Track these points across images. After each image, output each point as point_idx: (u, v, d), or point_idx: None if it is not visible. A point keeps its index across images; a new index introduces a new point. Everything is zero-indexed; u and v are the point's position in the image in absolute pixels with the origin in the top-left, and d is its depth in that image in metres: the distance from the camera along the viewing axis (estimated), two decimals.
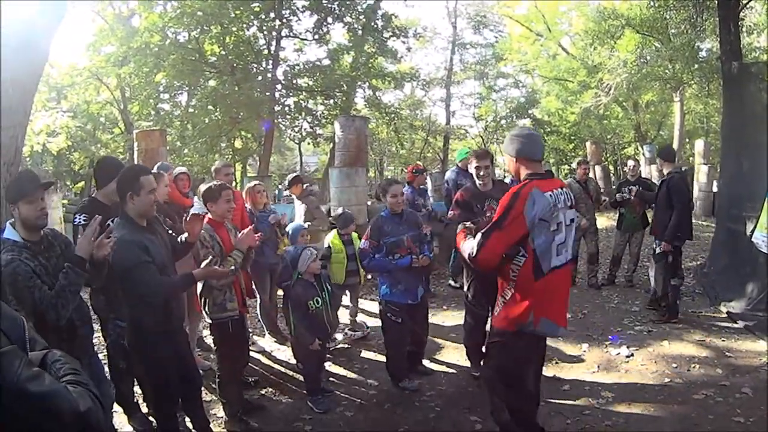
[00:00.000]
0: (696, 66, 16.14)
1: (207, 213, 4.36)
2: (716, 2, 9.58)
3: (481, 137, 33.41)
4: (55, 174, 28.86)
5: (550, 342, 6.13)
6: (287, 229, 5.71)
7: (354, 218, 6.69)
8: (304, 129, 20.34)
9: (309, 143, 22.98)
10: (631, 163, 8.72)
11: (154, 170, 5.48)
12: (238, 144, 21.87)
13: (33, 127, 14.70)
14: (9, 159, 4.22)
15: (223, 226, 4.33)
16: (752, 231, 6.47)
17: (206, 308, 4.30)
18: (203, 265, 3.64)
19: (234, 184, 6.19)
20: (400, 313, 4.95)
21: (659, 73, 18.17)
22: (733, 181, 7.56)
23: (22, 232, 3.07)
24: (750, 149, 7.16)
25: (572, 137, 31.28)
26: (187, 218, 3.99)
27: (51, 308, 2.90)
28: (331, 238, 6.46)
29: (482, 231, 3.40)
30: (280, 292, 5.91)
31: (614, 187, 8.90)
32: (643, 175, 21.07)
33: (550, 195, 3.29)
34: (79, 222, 3.89)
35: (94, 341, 3.86)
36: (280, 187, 36.86)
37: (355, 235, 6.63)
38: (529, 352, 3.55)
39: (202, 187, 4.44)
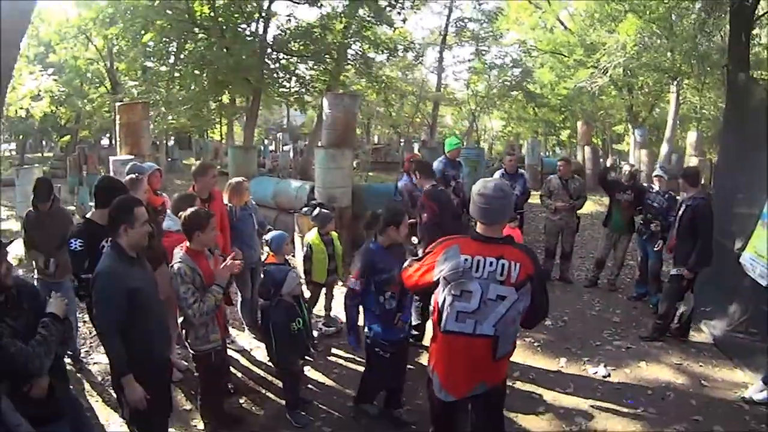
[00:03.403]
0: (694, 60, 16.08)
1: (186, 243, 4.22)
2: (728, 12, 9.42)
3: (471, 107, 33.20)
4: (41, 130, 28.62)
5: (528, 354, 6.25)
6: (267, 237, 5.50)
7: (332, 217, 6.67)
8: (293, 94, 20.04)
9: (296, 109, 22.72)
10: (626, 168, 8.65)
11: (131, 176, 5.41)
12: (225, 99, 21.48)
13: (18, 93, 14.49)
14: None
15: (203, 255, 4.21)
16: (740, 249, 6.45)
17: (188, 339, 4.26)
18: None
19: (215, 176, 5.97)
20: (389, 348, 4.69)
21: (659, 63, 18.07)
22: (727, 194, 7.45)
23: None
24: (746, 166, 7.07)
25: (563, 109, 31.16)
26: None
27: (35, 357, 2.84)
28: (311, 237, 6.45)
29: (412, 257, 3.68)
30: None
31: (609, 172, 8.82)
32: (631, 159, 21.33)
33: (467, 259, 3.21)
34: (75, 248, 4.00)
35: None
36: (266, 142, 36.83)
37: (334, 234, 6.65)
38: (436, 402, 3.58)
39: (183, 213, 4.27)
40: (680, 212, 6.53)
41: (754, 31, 14.08)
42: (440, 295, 3.33)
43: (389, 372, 4.87)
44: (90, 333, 6.43)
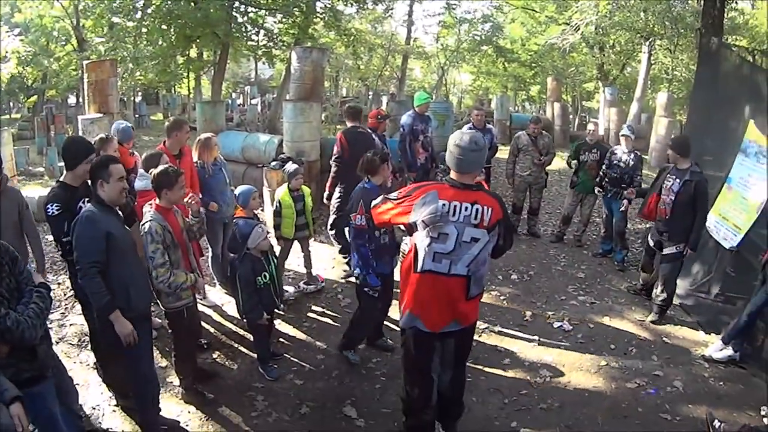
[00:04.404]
0: (668, 21, 16.12)
1: (156, 200, 4.23)
2: None
3: (440, 61, 32.92)
4: (8, 92, 27.90)
5: (494, 307, 6.39)
6: (236, 192, 5.52)
7: (298, 171, 6.58)
8: (261, 47, 19.65)
9: (264, 62, 22.31)
10: (590, 127, 8.74)
11: (100, 135, 5.37)
12: (193, 53, 21.03)
13: None
14: None
15: (172, 211, 4.24)
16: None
17: (160, 297, 4.30)
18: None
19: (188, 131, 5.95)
20: (377, 287, 4.89)
21: (631, 22, 18.06)
22: (695, 156, 7.56)
23: None
24: (715, 130, 7.16)
25: (533, 65, 31.10)
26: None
27: (31, 328, 2.87)
28: (281, 194, 6.45)
29: (385, 195, 3.82)
30: None
31: (572, 147, 8.87)
32: (600, 117, 21.49)
33: (444, 204, 3.40)
34: (52, 212, 3.99)
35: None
36: (233, 95, 36.24)
37: (307, 190, 6.65)
38: (414, 340, 3.74)
39: (154, 170, 4.27)
40: (678, 186, 6.02)
41: None
42: (418, 237, 3.52)
43: (377, 310, 5.16)
44: (65, 295, 6.38)
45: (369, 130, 7.34)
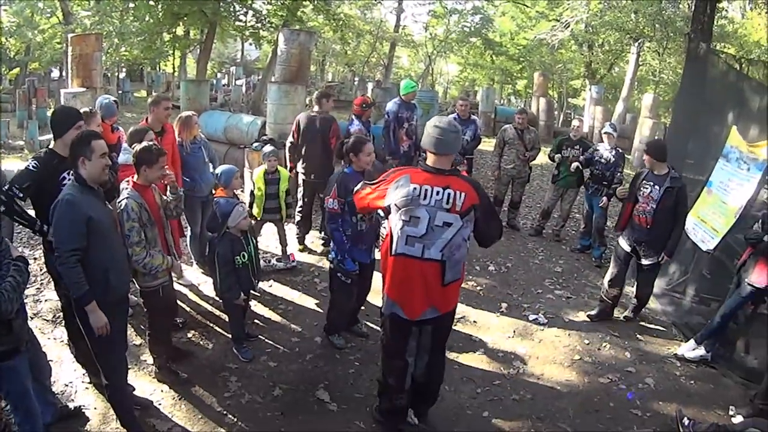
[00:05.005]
0: (658, 24, 16.22)
1: (134, 177, 4.17)
2: None
3: (428, 50, 32.86)
4: None
5: (470, 298, 6.40)
6: (217, 171, 5.51)
7: (271, 152, 6.59)
8: (249, 28, 19.45)
9: (251, 43, 22.12)
10: (575, 123, 8.74)
11: (84, 109, 5.26)
12: (179, 31, 20.75)
13: None
14: None
15: (149, 189, 4.19)
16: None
17: (136, 276, 4.23)
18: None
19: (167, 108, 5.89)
20: (352, 274, 4.88)
21: (622, 23, 18.13)
22: (676, 159, 7.60)
23: None
24: (698, 134, 7.23)
25: (521, 59, 31.18)
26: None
27: (7, 302, 2.85)
28: (256, 175, 6.53)
29: (364, 181, 4.02)
30: None
31: (555, 142, 8.87)
32: (586, 114, 21.57)
33: (416, 188, 3.48)
34: (28, 166, 3.97)
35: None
36: (219, 75, 35.88)
37: (285, 173, 6.67)
38: (391, 325, 3.81)
39: (138, 146, 4.22)
40: (658, 194, 5.66)
41: (721, 4, 14.24)
42: (392, 221, 3.59)
43: (352, 296, 5.11)
44: (41, 270, 6.28)
45: (328, 116, 7.21)
